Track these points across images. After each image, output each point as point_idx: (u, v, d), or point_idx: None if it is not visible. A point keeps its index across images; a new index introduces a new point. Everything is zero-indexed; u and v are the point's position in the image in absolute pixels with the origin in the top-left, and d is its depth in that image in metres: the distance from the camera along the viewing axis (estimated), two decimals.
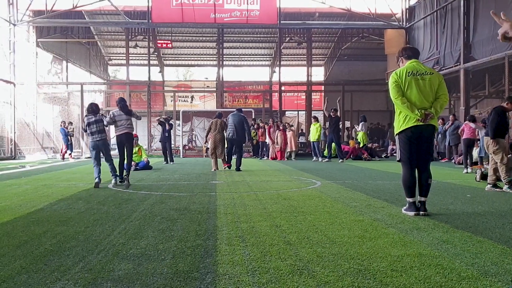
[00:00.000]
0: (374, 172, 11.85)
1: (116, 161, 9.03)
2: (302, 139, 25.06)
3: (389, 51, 23.57)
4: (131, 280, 2.85)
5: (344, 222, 4.73)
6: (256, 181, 9.43)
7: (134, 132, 9.53)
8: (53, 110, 24.01)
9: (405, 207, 5.29)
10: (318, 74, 32.56)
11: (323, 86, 29.72)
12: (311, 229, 4.37)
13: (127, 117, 8.99)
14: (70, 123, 20.12)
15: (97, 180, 8.39)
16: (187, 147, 25.85)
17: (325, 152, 18.18)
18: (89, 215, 5.24)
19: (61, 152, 19.20)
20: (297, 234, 4.15)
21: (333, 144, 17.50)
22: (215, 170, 12.20)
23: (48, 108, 23.48)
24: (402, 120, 5.10)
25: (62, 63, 26.68)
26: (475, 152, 12.28)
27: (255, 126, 20.18)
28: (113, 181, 8.75)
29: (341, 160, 16.88)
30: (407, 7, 22.01)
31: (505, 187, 7.51)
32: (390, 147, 21.59)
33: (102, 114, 9.31)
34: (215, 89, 26.65)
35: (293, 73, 33.59)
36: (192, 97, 30.28)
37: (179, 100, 29.64)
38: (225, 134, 12.47)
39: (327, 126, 18.50)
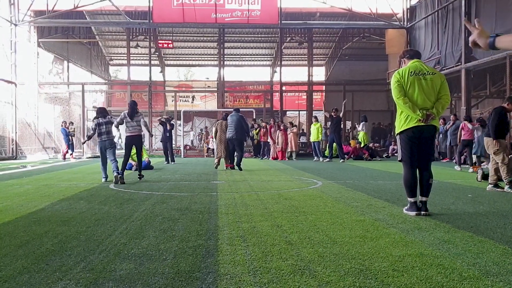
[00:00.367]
0: (375, 172, 11.85)
1: (118, 161, 9.49)
2: (303, 139, 25.05)
3: (390, 51, 23.56)
4: (132, 280, 2.86)
5: (345, 222, 4.73)
6: (257, 181, 9.43)
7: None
8: (54, 110, 24.03)
9: (406, 207, 5.29)
10: (319, 74, 32.53)
11: (324, 86, 29.70)
12: (312, 229, 4.37)
13: (137, 119, 9.70)
14: (71, 123, 20.13)
15: (104, 180, 9.27)
16: (188, 147, 25.86)
17: (326, 152, 18.19)
18: (91, 215, 5.25)
19: (63, 152, 19.21)
20: (299, 234, 4.15)
21: (334, 144, 17.51)
22: (216, 167, 12.90)
23: (49, 108, 23.50)
24: (403, 120, 5.10)
25: (63, 63, 26.70)
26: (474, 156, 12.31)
27: (255, 126, 20.18)
28: (114, 173, 9.01)
29: (342, 160, 16.89)
30: (408, 7, 22.00)
31: (506, 187, 7.50)
32: (391, 147, 21.57)
33: (111, 117, 9.85)
34: (216, 89, 26.65)
35: (294, 73, 33.60)
36: (193, 97, 30.31)
37: (180, 100, 29.66)
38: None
39: (328, 126, 18.50)
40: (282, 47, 25.39)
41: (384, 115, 27.12)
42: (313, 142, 18.32)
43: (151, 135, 15.15)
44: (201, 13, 21.56)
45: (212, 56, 30.93)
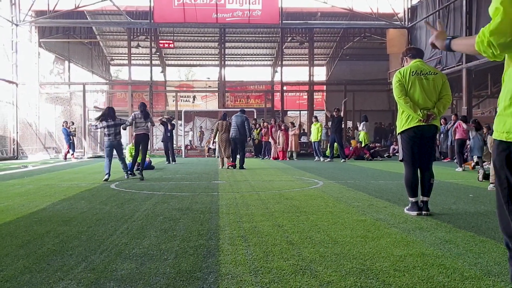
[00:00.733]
0: (376, 172, 11.84)
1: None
2: (304, 139, 25.04)
3: (391, 50, 23.54)
4: (134, 280, 2.86)
5: (347, 222, 4.72)
6: (258, 181, 9.43)
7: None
8: (55, 110, 24.05)
9: (407, 207, 5.28)
10: (320, 74, 32.53)
11: (325, 86, 29.70)
12: (314, 229, 4.37)
13: (145, 120, 10.39)
14: (72, 123, 20.14)
15: (107, 176, 9.49)
16: (188, 147, 25.86)
17: (327, 152, 18.18)
18: (92, 215, 5.25)
19: (64, 152, 19.23)
20: (300, 234, 4.15)
21: (335, 144, 17.52)
22: (222, 167, 13.32)
23: (50, 108, 23.52)
24: (405, 120, 5.10)
25: (64, 63, 26.71)
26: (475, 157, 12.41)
27: (256, 126, 20.18)
28: (125, 176, 9.90)
29: (343, 160, 16.89)
30: (409, 6, 21.98)
31: None
32: (392, 147, 21.56)
33: (120, 119, 10.40)
34: (217, 89, 26.66)
35: (295, 73, 33.60)
36: (194, 97, 30.30)
37: (181, 100, 29.65)
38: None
39: (329, 126, 18.50)
40: (283, 47, 25.38)
41: (385, 115, 27.11)
42: (314, 142, 18.33)
43: (164, 124, 15.94)
44: (202, 13, 21.57)
45: (213, 56, 30.93)
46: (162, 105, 29.05)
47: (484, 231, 4.25)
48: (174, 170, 12.74)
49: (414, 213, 5.10)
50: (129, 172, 10.09)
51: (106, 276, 2.95)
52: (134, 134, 10.72)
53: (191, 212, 5.41)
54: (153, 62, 24.58)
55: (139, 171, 10.07)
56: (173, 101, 28.66)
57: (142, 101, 27.73)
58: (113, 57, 32.20)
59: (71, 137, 18.82)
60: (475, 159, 12.32)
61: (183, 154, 22.12)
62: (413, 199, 5.16)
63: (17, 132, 20.14)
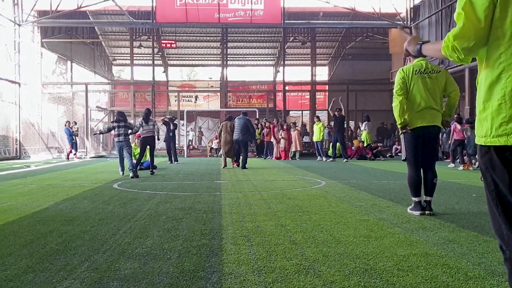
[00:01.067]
0: (378, 171, 11.82)
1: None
2: (306, 139, 25.03)
3: (393, 50, 23.47)
4: (137, 279, 2.86)
5: (350, 221, 4.71)
6: (261, 180, 9.43)
7: (139, 133, 11.86)
8: (58, 110, 24.08)
9: (410, 207, 5.27)
10: (322, 73, 32.50)
11: (327, 86, 29.67)
12: (317, 228, 4.37)
13: (147, 124, 11.50)
14: (75, 123, 20.16)
15: (121, 173, 10.73)
16: (191, 147, 25.87)
17: (330, 152, 18.17)
18: (95, 214, 5.25)
19: (67, 152, 19.25)
20: (303, 233, 4.15)
21: (338, 144, 17.51)
22: (224, 167, 13.55)
23: (53, 108, 23.55)
24: (407, 120, 5.08)
25: (66, 63, 26.76)
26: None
27: (258, 126, 20.16)
28: (130, 174, 10.25)
29: (345, 159, 16.88)
30: (412, 6, 21.93)
31: None
32: (394, 147, 21.53)
33: (129, 123, 11.44)
34: (219, 89, 26.66)
35: (297, 72, 33.59)
36: (196, 97, 30.30)
37: (183, 100, 29.65)
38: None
39: (331, 126, 18.47)
40: (285, 47, 25.37)
41: (387, 114, 26.95)
42: (316, 142, 18.33)
43: (158, 139, 15.96)
44: (204, 13, 21.56)
45: (215, 56, 30.94)
46: (164, 105, 29.07)
47: (487, 230, 4.23)
48: (177, 170, 12.74)
49: (417, 212, 5.09)
50: (134, 169, 10.51)
51: (109, 275, 2.95)
52: (141, 136, 11.71)
53: (193, 211, 5.41)
54: (155, 62, 24.63)
55: (151, 172, 11.33)
56: (175, 101, 28.65)
57: (144, 101, 27.95)
58: (116, 57, 32.23)
59: (73, 137, 18.84)
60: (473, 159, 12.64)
61: (185, 154, 22.12)
62: (416, 199, 5.15)
63: (19, 132, 20.16)
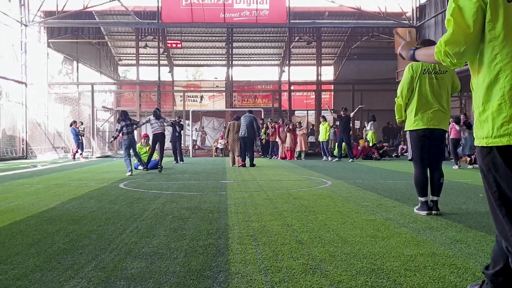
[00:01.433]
0: (384, 171, 11.79)
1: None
2: (311, 139, 25.00)
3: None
4: (144, 279, 2.86)
5: (356, 221, 4.70)
6: (266, 180, 9.43)
7: (144, 133, 12.99)
8: (64, 110, 24.18)
9: (417, 207, 5.25)
10: (328, 73, 32.45)
11: (332, 86, 29.63)
12: (323, 228, 4.36)
13: (160, 121, 12.19)
14: (81, 122, 20.24)
15: (129, 173, 10.79)
16: (196, 147, 25.90)
17: (335, 152, 18.14)
18: (101, 214, 5.27)
19: (73, 152, 19.33)
20: (309, 233, 4.14)
21: (343, 144, 17.47)
22: (232, 165, 13.91)
23: (59, 108, 23.65)
24: (413, 120, 5.04)
25: (72, 64, 26.87)
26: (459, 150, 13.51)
27: (264, 126, 20.15)
28: (140, 167, 11.57)
29: (351, 159, 16.85)
30: (418, 5, 21.84)
31: None
32: (400, 147, 21.46)
33: (134, 120, 11.93)
34: (224, 88, 26.68)
35: (302, 72, 33.53)
36: (202, 97, 30.35)
37: (189, 100, 29.71)
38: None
39: (337, 126, 18.44)
40: (291, 47, 25.35)
41: (393, 114, 26.62)
42: (322, 142, 18.32)
43: (172, 125, 16.20)
44: (209, 13, 21.59)
45: (221, 56, 30.96)
46: (170, 105, 29.12)
47: (495, 231, 4.19)
48: (182, 170, 12.77)
49: (424, 212, 5.07)
50: (144, 165, 11.64)
51: (117, 274, 2.96)
52: (152, 134, 12.33)
53: (199, 211, 5.42)
54: (161, 62, 24.66)
55: (159, 169, 11.85)
56: (181, 101, 28.71)
57: (149, 101, 28.04)
58: (121, 57, 32.33)
59: (79, 137, 18.91)
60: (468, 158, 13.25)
61: (190, 154, 22.16)
62: (422, 199, 5.13)
63: (26, 132, 20.27)
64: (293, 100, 25.60)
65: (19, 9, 20.26)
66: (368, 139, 19.16)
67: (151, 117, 12.28)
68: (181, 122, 17.89)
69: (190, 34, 28.02)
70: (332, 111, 18.16)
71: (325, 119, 18.67)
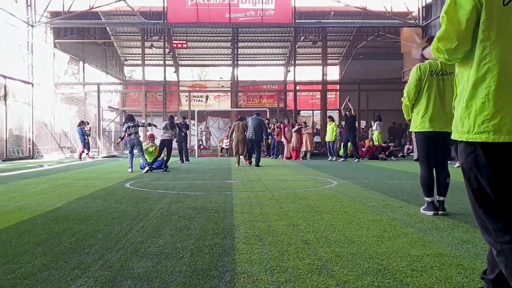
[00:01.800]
0: (390, 171, 11.75)
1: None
2: (317, 139, 24.97)
3: (405, 49, 23.31)
4: (150, 278, 2.87)
5: (362, 221, 4.69)
6: (272, 180, 9.42)
7: (150, 133, 13.53)
8: (70, 110, 24.28)
9: (423, 207, 5.23)
10: (333, 73, 32.39)
11: (338, 85, 29.57)
12: (329, 228, 4.35)
13: (172, 129, 13.09)
14: (87, 123, 20.31)
15: (130, 170, 11.63)
16: (202, 147, 25.94)
17: (341, 152, 18.11)
18: (107, 213, 5.29)
19: (79, 152, 19.40)
20: (315, 233, 4.13)
21: (349, 144, 17.44)
22: (238, 165, 13.97)
23: (65, 108, 23.75)
24: (419, 121, 5.02)
25: (78, 64, 26.96)
26: None
27: (270, 126, 20.13)
28: (146, 168, 11.68)
29: (357, 159, 16.81)
30: (424, 5, 21.74)
31: None
32: (406, 147, 21.38)
33: (138, 121, 12.54)
34: (229, 88, 26.70)
35: (308, 72, 33.51)
36: (207, 97, 30.39)
37: (194, 100, 29.76)
38: (246, 135, 14.36)
39: (342, 125, 18.40)
40: (296, 46, 25.32)
41: (399, 114, 26.54)
42: (328, 142, 18.31)
43: (178, 127, 16.28)
44: (215, 13, 21.60)
45: (226, 56, 30.98)
46: (175, 105, 29.17)
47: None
48: (188, 170, 12.79)
49: (431, 213, 5.05)
50: (149, 166, 11.83)
51: (123, 274, 2.97)
52: (161, 138, 12.88)
53: (205, 211, 5.42)
54: (166, 62, 24.69)
55: (164, 166, 12.42)
56: (186, 101, 28.77)
57: (155, 101, 28.11)
58: (127, 58, 32.43)
59: (86, 137, 18.98)
60: None
61: (196, 154, 22.19)
62: (429, 199, 5.11)
63: (32, 132, 20.36)
64: (299, 100, 25.55)
65: (26, 9, 20.36)
66: (374, 139, 19.11)
67: (168, 124, 13.06)
68: (187, 122, 17.90)
69: (196, 34, 28.05)
70: (349, 103, 17.72)
71: (332, 119, 18.62)
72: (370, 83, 26.24)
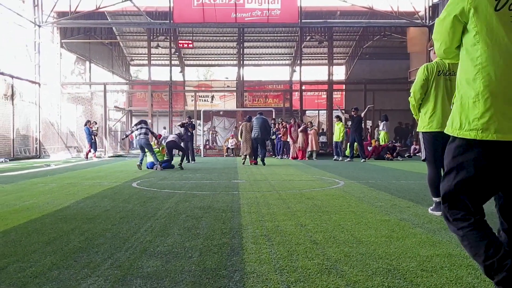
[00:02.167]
0: (397, 171, 11.71)
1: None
2: (323, 139, 24.93)
3: (411, 49, 23.28)
4: (160, 277, 2.87)
5: (370, 222, 4.68)
6: (278, 180, 9.42)
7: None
8: (77, 110, 24.39)
9: (431, 207, 5.21)
10: (339, 73, 32.33)
11: (344, 85, 29.52)
12: (337, 228, 4.34)
13: (178, 136, 14.16)
14: (95, 122, 20.39)
15: (138, 163, 12.24)
16: (207, 147, 25.96)
17: (347, 152, 18.07)
18: (115, 213, 5.30)
19: (86, 151, 19.47)
20: (323, 233, 4.12)
21: (355, 144, 17.40)
22: (244, 164, 14.54)
23: (71, 108, 23.86)
24: (427, 122, 4.99)
25: (85, 64, 27.08)
26: None
27: (276, 126, 20.12)
28: (158, 167, 12.30)
29: (363, 159, 16.77)
30: (430, 5, 21.64)
31: None
32: (412, 147, 21.31)
33: (146, 125, 12.89)
34: (235, 88, 26.72)
35: (313, 72, 33.46)
36: (213, 96, 30.42)
37: (200, 99, 29.80)
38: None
39: (349, 125, 18.36)
40: (302, 46, 25.29)
41: (405, 114, 26.70)
42: (336, 141, 18.30)
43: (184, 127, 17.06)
44: (221, 13, 21.62)
45: (232, 55, 31.02)
46: (181, 104, 29.23)
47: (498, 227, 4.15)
48: (194, 169, 12.81)
49: (439, 213, 5.01)
50: (160, 165, 12.46)
51: (133, 273, 2.97)
52: (166, 141, 13.75)
53: (213, 210, 5.43)
54: (172, 62, 24.74)
55: (180, 164, 13.08)
56: (192, 101, 28.82)
57: (161, 101, 28.16)
58: (133, 57, 32.54)
59: (93, 136, 19.05)
60: None
61: (202, 154, 22.21)
62: (437, 199, 5.08)
63: (39, 132, 20.47)
64: (304, 99, 25.54)
65: (33, 10, 20.46)
66: (380, 139, 19.06)
67: (181, 134, 14.50)
68: (193, 122, 17.92)
69: (202, 34, 28.10)
70: (342, 111, 18.00)
71: (339, 119, 18.59)
72: (376, 83, 26.17)
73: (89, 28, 25.86)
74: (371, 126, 26.21)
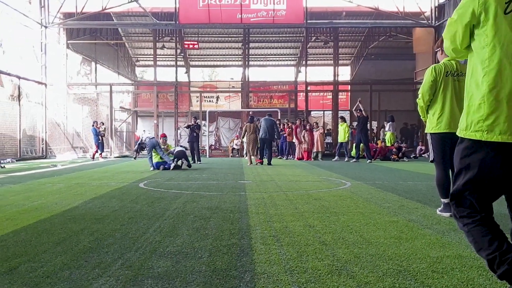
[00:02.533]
0: (403, 172, 11.69)
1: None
2: (328, 139, 24.91)
3: (417, 50, 23.20)
4: (171, 277, 2.88)
5: (379, 223, 4.67)
6: (285, 181, 9.42)
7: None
8: (83, 111, 24.48)
9: (440, 208, 5.19)
10: (345, 73, 32.27)
11: (349, 86, 29.45)
12: (346, 229, 4.34)
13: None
14: (102, 123, 20.45)
15: (151, 168, 12.58)
16: (213, 147, 25.98)
17: (353, 152, 18.05)
18: (124, 213, 5.32)
19: (93, 152, 19.54)
20: (332, 234, 4.12)
21: (361, 144, 17.38)
22: (250, 164, 14.60)
23: (77, 109, 23.94)
24: (435, 122, 4.97)
25: (91, 64, 27.16)
26: None
27: (281, 127, 20.12)
28: (172, 165, 12.62)
29: (369, 160, 16.74)
30: (436, 5, 21.57)
31: None
32: (418, 148, 21.25)
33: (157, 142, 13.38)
34: (240, 89, 26.72)
35: (319, 72, 33.41)
36: (218, 97, 30.42)
37: (205, 100, 29.81)
38: (257, 135, 15.02)
39: (354, 126, 18.33)
40: (307, 47, 25.26)
41: (411, 115, 26.67)
42: (341, 142, 18.28)
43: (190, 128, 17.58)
44: (226, 13, 21.65)
45: (237, 56, 31.02)
46: (186, 105, 29.24)
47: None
48: (200, 170, 12.82)
49: (447, 214, 5.00)
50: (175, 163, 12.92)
51: (143, 273, 2.98)
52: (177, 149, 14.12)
53: (220, 211, 5.43)
54: (178, 63, 24.78)
55: (188, 164, 13.50)
56: (197, 101, 28.84)
57: (166, 101, 28.22)
58: (139, 58, 32.58)
59: (99, 137, 19.11)
60: None
61: (207, 154, 22.24)
62: (445, 200, 5.06)
63: (46, 132, 20.57)
64: (310, 100, 25.50)
65: (39, 10, 20.58)
66: (386, 139, 19.02)
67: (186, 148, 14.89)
68: (198, 123, 17.96)
69: (207, 35, 28.11)
70: (360, 104, 17.54)
71: (343, 120, 18.55)
72: (381, 84, 26.07)
73: (95, 29, 25.93)
74: (376, 127, 26.15)
